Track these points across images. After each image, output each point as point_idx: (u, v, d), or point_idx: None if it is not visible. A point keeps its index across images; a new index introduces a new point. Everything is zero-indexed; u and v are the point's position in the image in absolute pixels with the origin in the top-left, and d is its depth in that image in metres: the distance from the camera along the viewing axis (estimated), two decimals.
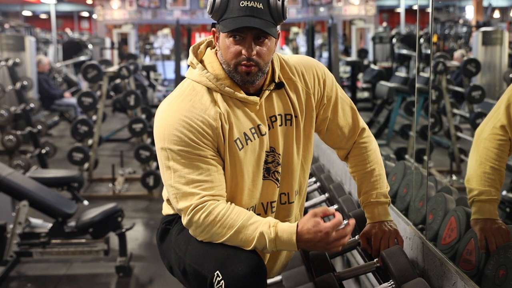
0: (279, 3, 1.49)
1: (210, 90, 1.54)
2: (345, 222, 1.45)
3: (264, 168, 1.59)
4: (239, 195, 1.56)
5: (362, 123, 1.75)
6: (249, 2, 1.45)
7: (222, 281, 1.40)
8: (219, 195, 1.50)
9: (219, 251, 1.46)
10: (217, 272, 1.42)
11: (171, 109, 1.53)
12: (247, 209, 1.56)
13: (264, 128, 1.56)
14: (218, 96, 1.53)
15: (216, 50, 1.57)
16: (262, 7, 1.46)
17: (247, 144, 1.54)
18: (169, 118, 1.50)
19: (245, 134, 1.54)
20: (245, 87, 1.54)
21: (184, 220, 1.50)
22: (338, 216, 1.43)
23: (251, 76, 1.50)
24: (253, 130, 1.55)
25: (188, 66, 1.62)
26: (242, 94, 1.53)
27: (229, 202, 1.51)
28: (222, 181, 1.52)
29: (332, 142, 1.75)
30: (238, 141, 1.53)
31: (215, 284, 1.41)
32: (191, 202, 1.47)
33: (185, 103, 1.52)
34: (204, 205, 1.47)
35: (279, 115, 1.59)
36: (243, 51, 1.48)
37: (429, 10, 1.98)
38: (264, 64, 1.51)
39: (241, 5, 1.45)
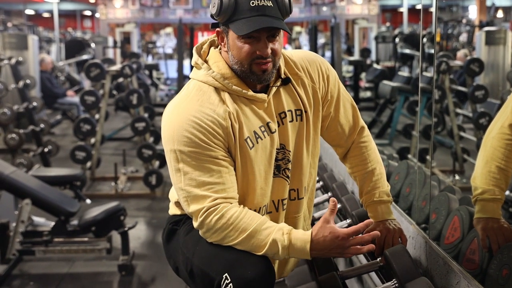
0: None
1: (217, 89, 1.51)
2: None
3: (275, 166, 1.56)
4: (251, 194, 1.53)
5: (362, 122, 1.74)
6: (259, 1, 1.44)
7: (231, 284, 1.38)
8: (231, 198, 1.47)
9: (229, 254, 1.44)
10: (226, 274, 1.39)
11: (179, 110, 1.50)
12: (260, 208, 1.54)
13: (274, 126, 1.54)
14: (225, 95, 1.50)
15: (220, 49, 1.55)
16: (271, 4, 1.45)
17: (257, 142, 1.51)
18: (178, 119, 1.47)
19: (255, 132, 1.51)
20: (252, 85, 1.53)
21: (196, 223, 1.47)
22: (359, 225, 1.45)
23: (267, 74, 1.49)
24: (262, 128, 1.52)
25: (192, 67, 1.60)
26: (250, 92, 1.51)
27: (241, 205, 1.48)
28: (234, 182, 1.49)
29: (331, 139, 1.74)
30: (248, 140, 1.50)
31: (222, 287, 1.39)
32: (203, 205, 1.44)
33: (193, 103, 1.49)
34: (217, 207, 1.44)
35: (289, 111, 1.57)
36: (258, 52, 1.46)
37: (433, 9, 1.97)
38: (277, 60, 1.50)
39: (251, 4, 1.43)
